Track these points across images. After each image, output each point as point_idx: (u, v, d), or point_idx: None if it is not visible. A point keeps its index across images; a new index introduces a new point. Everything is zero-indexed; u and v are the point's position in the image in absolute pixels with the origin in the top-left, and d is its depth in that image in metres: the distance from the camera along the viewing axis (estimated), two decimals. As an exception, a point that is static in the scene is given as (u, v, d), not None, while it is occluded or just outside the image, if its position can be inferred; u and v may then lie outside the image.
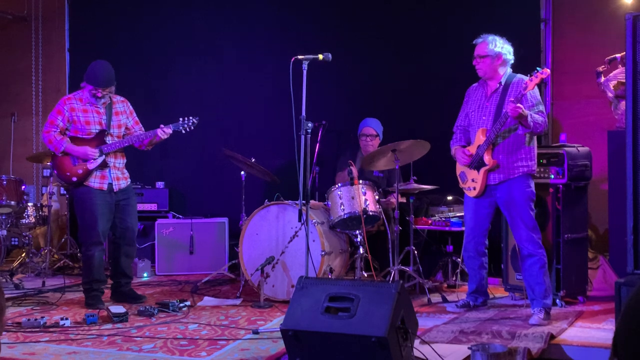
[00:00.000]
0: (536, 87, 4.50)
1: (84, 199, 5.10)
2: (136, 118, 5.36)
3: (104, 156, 5.10)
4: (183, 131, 5.21)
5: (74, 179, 5.10)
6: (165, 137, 5.16)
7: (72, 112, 5.11)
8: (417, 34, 6.54)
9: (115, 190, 5.17)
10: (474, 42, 4.71)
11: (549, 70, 4.40)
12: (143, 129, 5.31)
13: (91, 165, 5.07)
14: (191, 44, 7.42)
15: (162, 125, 5.14)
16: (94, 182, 5.10)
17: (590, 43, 6.16)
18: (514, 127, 4.55)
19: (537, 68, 4.39)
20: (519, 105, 4.34)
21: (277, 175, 6.08)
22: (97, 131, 5.13)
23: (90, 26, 7.81)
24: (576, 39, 6.22)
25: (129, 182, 5.30)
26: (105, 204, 5.12)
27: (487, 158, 4.60)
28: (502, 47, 4.65)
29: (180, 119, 5.19)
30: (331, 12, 6.92)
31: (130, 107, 5.37)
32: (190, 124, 5.20)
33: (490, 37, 4.67)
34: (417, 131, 5.56)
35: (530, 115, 4.41)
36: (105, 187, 5.13)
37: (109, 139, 5.15)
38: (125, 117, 5.29)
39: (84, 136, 5.12)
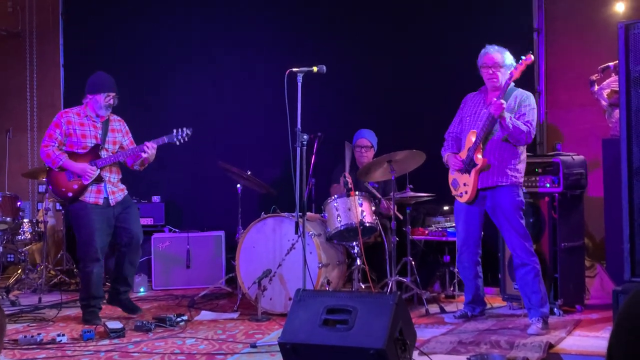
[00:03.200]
0: (535, 107, 4.52)
1: (80, 214, 5.08)
2: (131, 139, 5.35)
3: (98, 170, 5.08)
4: (177, 142, 5.15)
5: (70, 194, 5.08)
6: (151, 150, 5.05)
7: (69, 125, 5.10)
8: (412, 45, 6.57)
9: (112, 204, 5.14)
10: (487, 52, 4.64)
11: (532, 57, 4.41)
12: None
13: (86, 180, 5.06)
14: (186, 59, 7.44)
15: (146, 142, 5.07)
16: (90, 197, 5.08)
17: (583, 52, 6.19)
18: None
19: (522, 56, 4.41)
20: (502, 101, 4.37)
21: (273, 187, 6.08)
22: (92, 145, 5.12)
23: (85, 42, 7.83)
24: (569, 48, 6.25)
25: (125, 194, 5.27)
26: (102, 219, 5.09)
27: (477, 157, 4.61)
28: (510, 58, 4.66)
29: (174, 130, 5.13)
30: (327, 24, 6.95)
31: (127, 127, 5.36)
32: (185, 135, 5.13)
33: (502, 49, 4.65)
34: (412, 141, 5.56)
35: (510, 117, 4.43)
36: (101, 201, 5.10)
37: (103, 154, 5.14)
38: (121, 136, 5.28)
39: (79, 150, 5.10)
